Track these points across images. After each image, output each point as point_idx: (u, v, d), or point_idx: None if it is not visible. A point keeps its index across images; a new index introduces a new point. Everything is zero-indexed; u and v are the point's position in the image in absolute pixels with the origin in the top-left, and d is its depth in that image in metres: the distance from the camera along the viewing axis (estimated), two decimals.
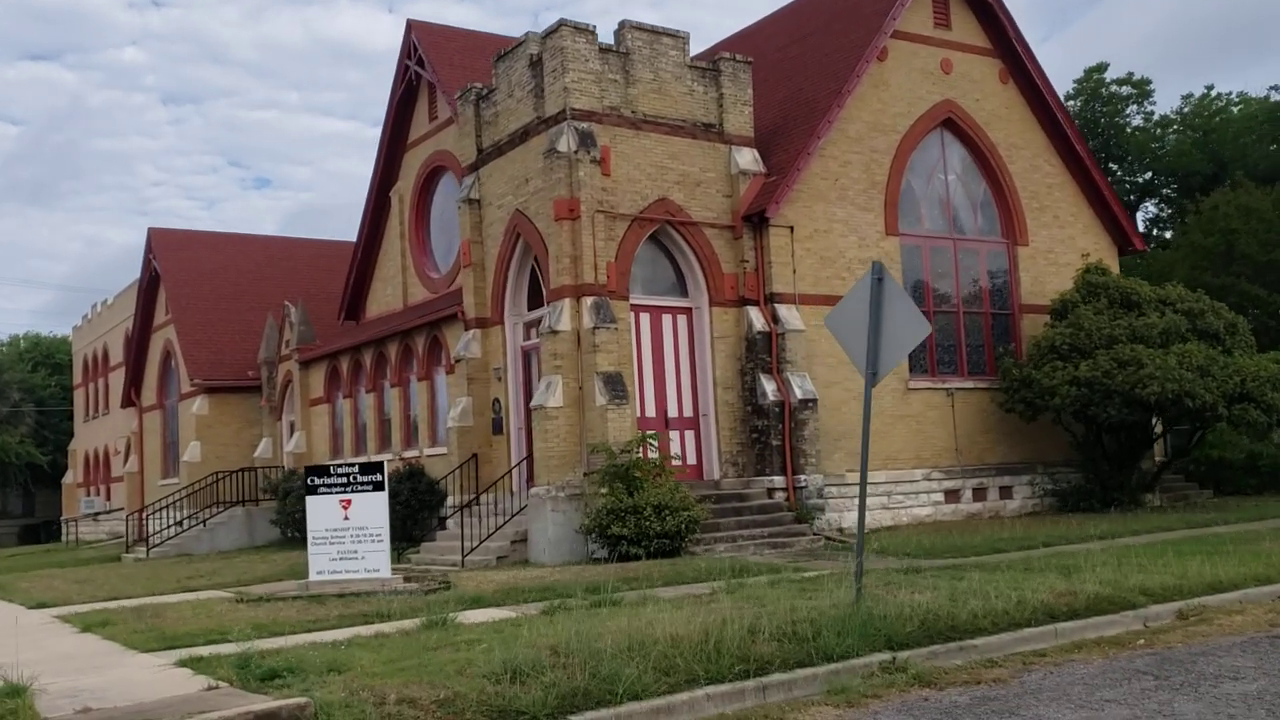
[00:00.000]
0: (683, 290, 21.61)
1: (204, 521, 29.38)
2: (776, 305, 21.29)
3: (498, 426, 22.32)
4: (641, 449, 19.11)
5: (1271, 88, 51.58)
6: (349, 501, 15.43)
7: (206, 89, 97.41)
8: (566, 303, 19.78)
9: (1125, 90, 49.37)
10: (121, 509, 39.66)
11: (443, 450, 24.00)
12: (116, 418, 43.09)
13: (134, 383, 39.65)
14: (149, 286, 37.88)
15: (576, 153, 19.87)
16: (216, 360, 33.78)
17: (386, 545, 15.37)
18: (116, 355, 44.05)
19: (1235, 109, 48.04)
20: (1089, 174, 26.05)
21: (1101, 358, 21.82)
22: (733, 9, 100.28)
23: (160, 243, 36.78)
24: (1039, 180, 25.56)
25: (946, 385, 23.42)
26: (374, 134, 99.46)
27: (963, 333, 24.14)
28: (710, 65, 21.91)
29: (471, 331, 22.74)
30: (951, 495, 23.07)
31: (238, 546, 28.63)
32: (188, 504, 30.72)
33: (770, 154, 22.31)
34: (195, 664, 10.03)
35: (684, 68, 21.57)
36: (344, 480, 15.46)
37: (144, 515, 31.61)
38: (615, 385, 19.40)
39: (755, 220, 21.45)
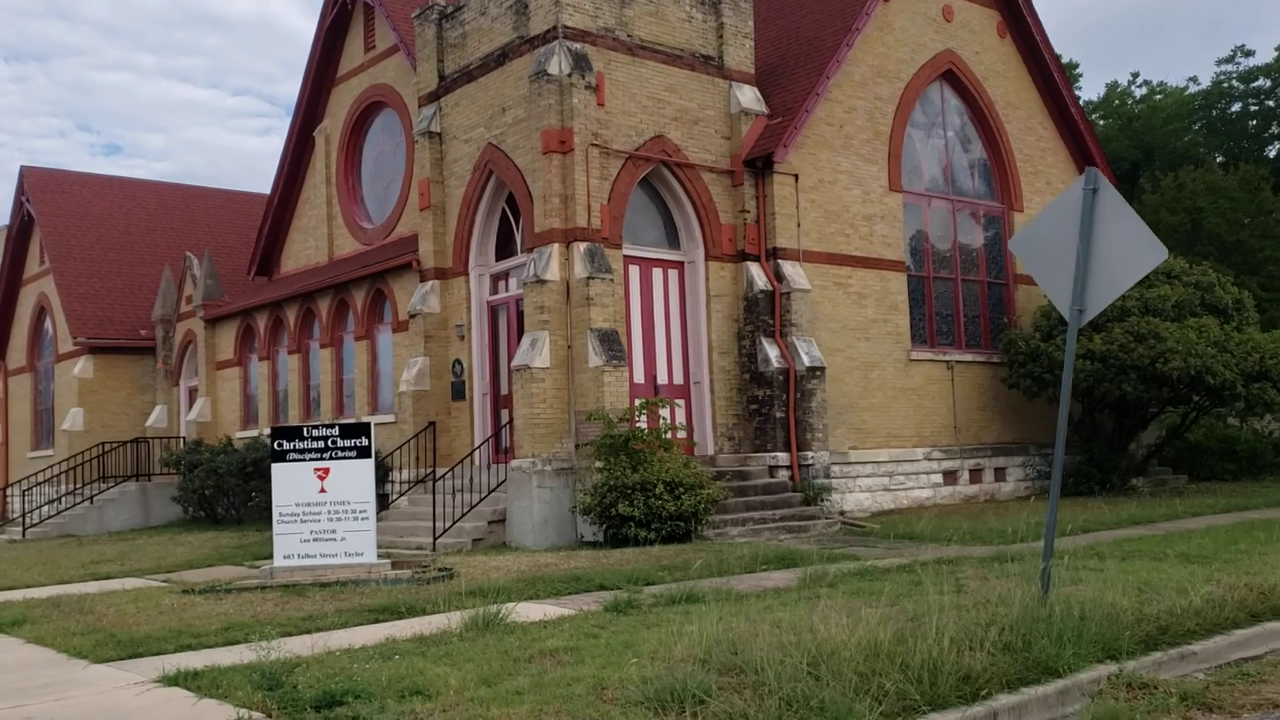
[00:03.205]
0: (674, 242, 19.21)
1: (91, 498, 25.74)
2: (780, 261, 19.07)
3: (459, 391, 19.57)
4: (644, 417, 16.71)
5: (1190, 79, 51.74)
6: (326, 470, 12.61)
7: (53, 47, 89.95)
8: (555, 248, 17.19)
9: None
10: None
11: (388, 418, 21.11)
12: None
13: None
14: (20, 233, 33.55)
15: (570, 76, 17.27)
16: (103, 317, 29.92)
17: (372, 524, 12.63)
18: None
19: (1158, 97, 47.90)
20: (1082, 139, 24.54)
21: (1116, 330, 20.26)
22: None
23: (36, 183, 32.53)
24: (1033, 143, 23.93)
25: (946, 357, 21.58)
26: (235, 104, 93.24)
27: (960, 301, 22.34)
28: None
29: (429, 283, 19.92)
30: (949, 476, 21.26)
31: (131, 527, 25.13)
32: (67, 479, 27.01)
33: (768, 95, 20.06)
34: (191, 681, 7.30)
35: None
36: (320, 444, 12.64)
37: (10, 492, 27.82)
38: (612, 344, 16.91)
39: (758, 166, 19.18)
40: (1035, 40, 23.62)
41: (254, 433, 25.48)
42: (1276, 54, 43.43)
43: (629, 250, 18.31)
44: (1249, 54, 44.09)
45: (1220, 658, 8.30)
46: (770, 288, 18.91)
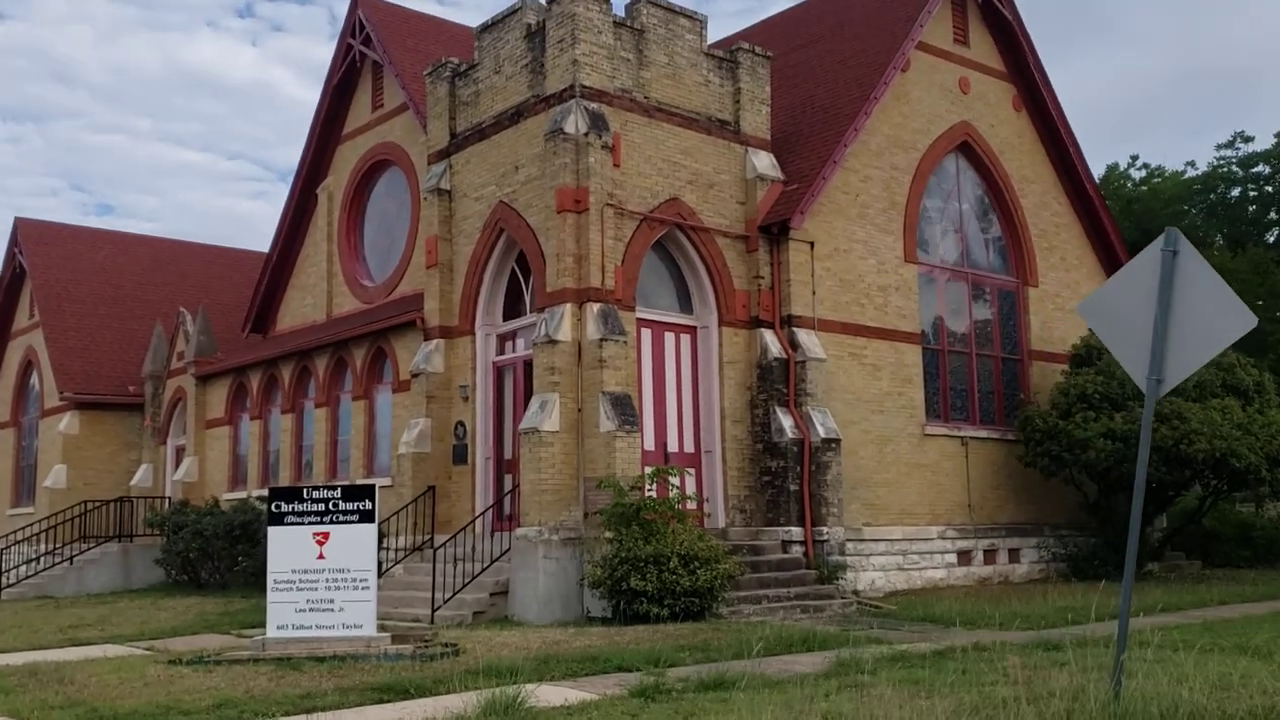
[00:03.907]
0: (687, 306, 18.71)
1: (70, 558, 24.81)
2: (795, 329, 18.55)
3: (460, 455, 18.87)
4: (656, 485, 16.03)
5: (1188, 163, 52.10)
6: (326, 535, 11.89)
7: (50, 108, 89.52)
8: (568, 308, 16.64)
9: None
10: None
11: (384, 481, 20.36)
12: None
13: None
14: (11, 285, 32.91)
15: (587, 135, 16.87)
16: (91, 372, 29.20)
17: (373, 594, 11.87)
18: None
19: (1156, 180, 48.06)
20: (1097, 216, 24.28)
21: (1138, 410, 19.71)
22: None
23: (29, 235, 31.98)
24: (1048, 218, 23.62)
25: (961, 433, 20.99)
26: (230, 168, 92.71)
27: (975, 376, 21.82)
28: (728, 55, 19.26)
29: (433, 342, 19.31)
30: (964, 556, 20.57)
31: (111, 589, 24.18)
32: (47, 538, 26.08)
33: (783, 162, 19.70)
34: None
35: (700, 54, 18.86)
36: (321, 507, 11.93)
37: None
38: (624, 408, 16.29)
39: (774, 232, 18.76)
40: (1051, 115, 23.41)
41: (242, 494, 24.69)
42: (1276, 140, 43.66)
43: (641, 313, 17.78)
44: (1248, 139, 44.28)
45: None
46: (785, 356, 18.37)
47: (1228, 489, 21.85)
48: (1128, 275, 7.86)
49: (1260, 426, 19.97)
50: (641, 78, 17.97)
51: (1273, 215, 44.78)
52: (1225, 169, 44.91)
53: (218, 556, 22.51)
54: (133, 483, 28.07)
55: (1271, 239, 44.28)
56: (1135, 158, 51.06)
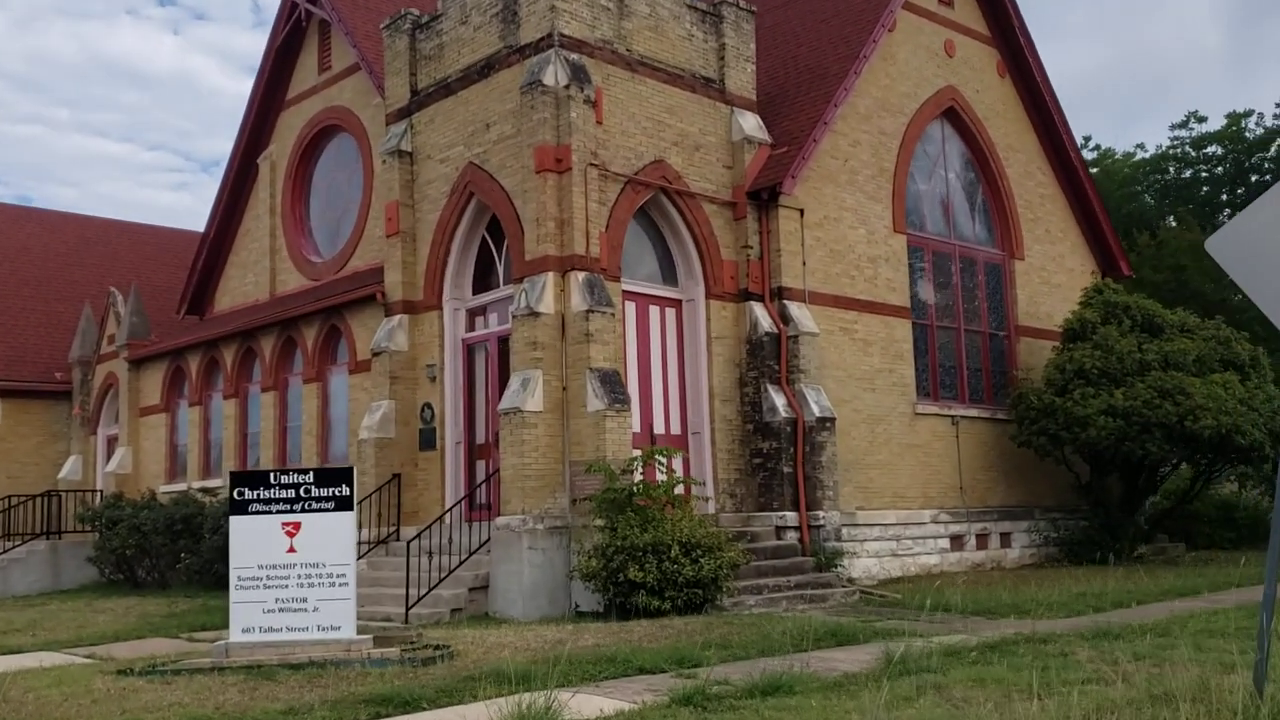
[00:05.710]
0: (671, 278, 17.45)
1: None
2: (786, 302, 17.38)
3: (428, 440, 17.42)
4: (645, 469, 14.77)
5: (1138, 145, 52.04)
6: (297, 525, 10.44)
7: None
8: (550, 278, 15.28)
9: None
10: None
11: None
12: None
13: None
14: None
15: (568, 88, 15.51)
16: (14, 357, 27.14)
17: (352, 591, 10.46)
18: None
19: (1108, 162, 47.84)
20: (1081, 187, 23.43)
21: (1139, 386, 18.86)
22: None
23: None
24: (1032, 189, 22.71)
25: (951, 412, 20.00)
26: (151, 158, 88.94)
27: (963, 353, 20.84)
28: (711, 9, 18.02)
29: (396, 318, 17.82)
30: (957, 541, 19.58)
31: (40, 590, 22.35)
32: None
33: (767, 125, 18.50)
34: None
35: (682, 6, 17.60)
36: (291, 494, 10.49)
37: None
38: (614, 386, 14.98)
39: (762, 198, 17.56)
40: (1035, 81, 22.50)
41: (181, 486, 22.96)
42: (1226, 121, 43.57)
43: (626, 285, 16.49)
44: (1202, 120, 44.16)
45: None
46: (776, 330, 17.19)
47: (1226, 467, 21.20)
48: (1267, 205, 6.76)
49: (1262, 401, 19.25)
50: (623, 29, 16.66)
51: (1224, 196, 44.73)
52: (1178, 150, 44.76)
53: (157, 553, 20.82)
54: (61, 475, 26.15)
55: (1222, 220, 44.17)
56: (1088, 139, 50.83)
